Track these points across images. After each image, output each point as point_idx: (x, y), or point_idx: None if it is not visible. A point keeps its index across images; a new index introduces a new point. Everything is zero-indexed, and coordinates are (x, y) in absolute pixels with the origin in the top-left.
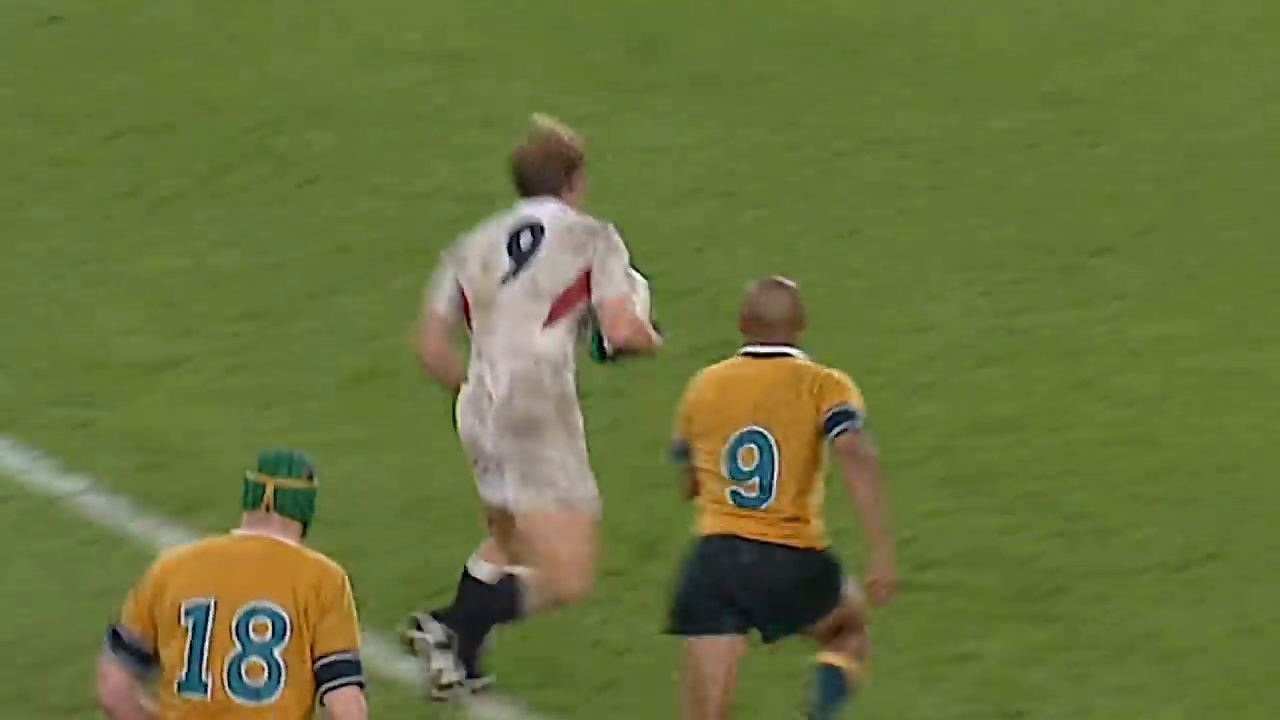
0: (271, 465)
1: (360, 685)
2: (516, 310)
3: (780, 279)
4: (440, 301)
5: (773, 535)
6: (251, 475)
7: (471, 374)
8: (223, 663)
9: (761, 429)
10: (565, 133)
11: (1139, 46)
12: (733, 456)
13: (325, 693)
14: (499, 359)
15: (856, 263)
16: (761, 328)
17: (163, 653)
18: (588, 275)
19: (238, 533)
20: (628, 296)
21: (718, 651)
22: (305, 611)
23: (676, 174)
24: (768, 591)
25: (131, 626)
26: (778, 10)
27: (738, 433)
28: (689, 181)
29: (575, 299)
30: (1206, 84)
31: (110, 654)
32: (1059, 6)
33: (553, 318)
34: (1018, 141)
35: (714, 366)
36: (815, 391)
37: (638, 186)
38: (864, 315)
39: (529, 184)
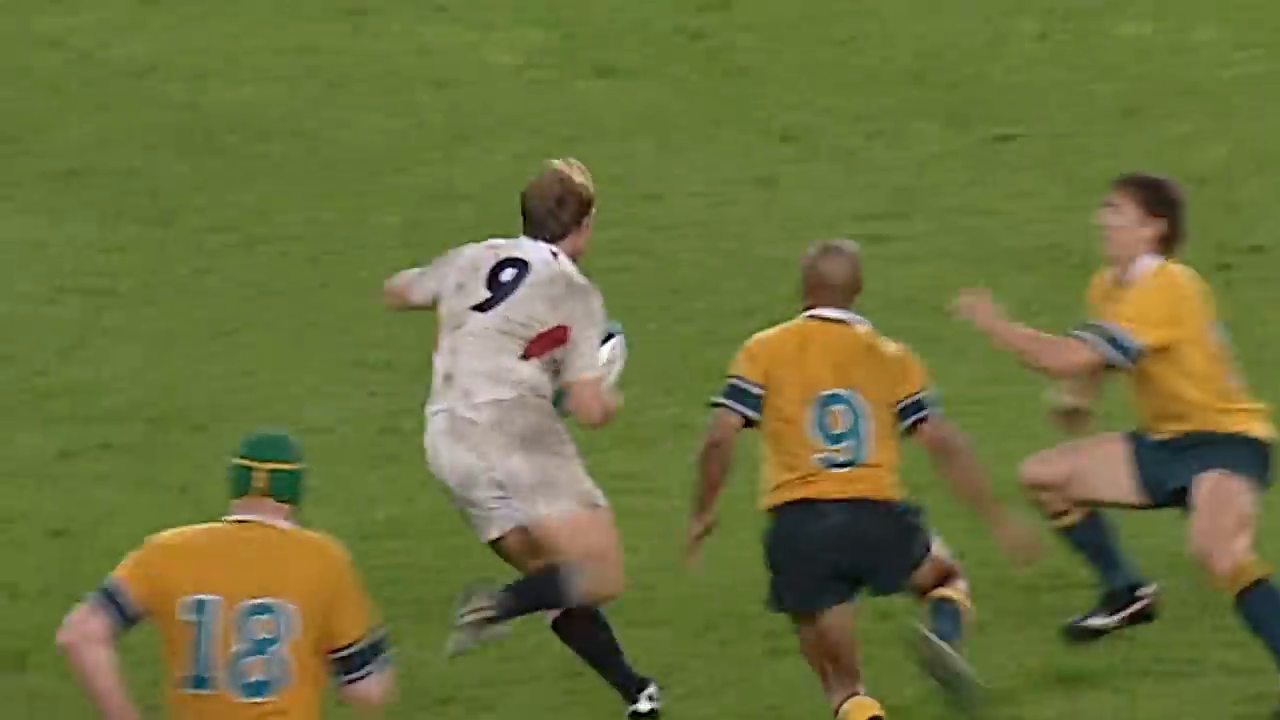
0: (260, 448)
1: (376, 672)
2: (490, 341)
3: (837, 243)
4: (416, 288)
5: (855, 491)
6: (240, 460)
7: (438, 405)
8: (226, 660)
9: (848, 391)
10: (580, 174)
11: (521, 144)
12: (820, 419)
13: (345, 685)
14: (477, 388)
15: (235, 363)
16: (826, 292)
17: (164, 646)
18: (563, 330)
19: (232, 519)
20: (601, 377)
21: (841, 620)
22: (310, 604)
23: (46, 271)
24: (865, 547)
25: (130, 589)
26: (149, 103)
27: (824, 394)
28: (59, 279)
29: (547, 347)
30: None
31: (98, 599)
32: (439, 100)
33: (527, 355)
34: (399, 240)
35: (781, 327)
36: (895, 366)
37: (4, 284)
38: (242, 417)
39: (534, 223)
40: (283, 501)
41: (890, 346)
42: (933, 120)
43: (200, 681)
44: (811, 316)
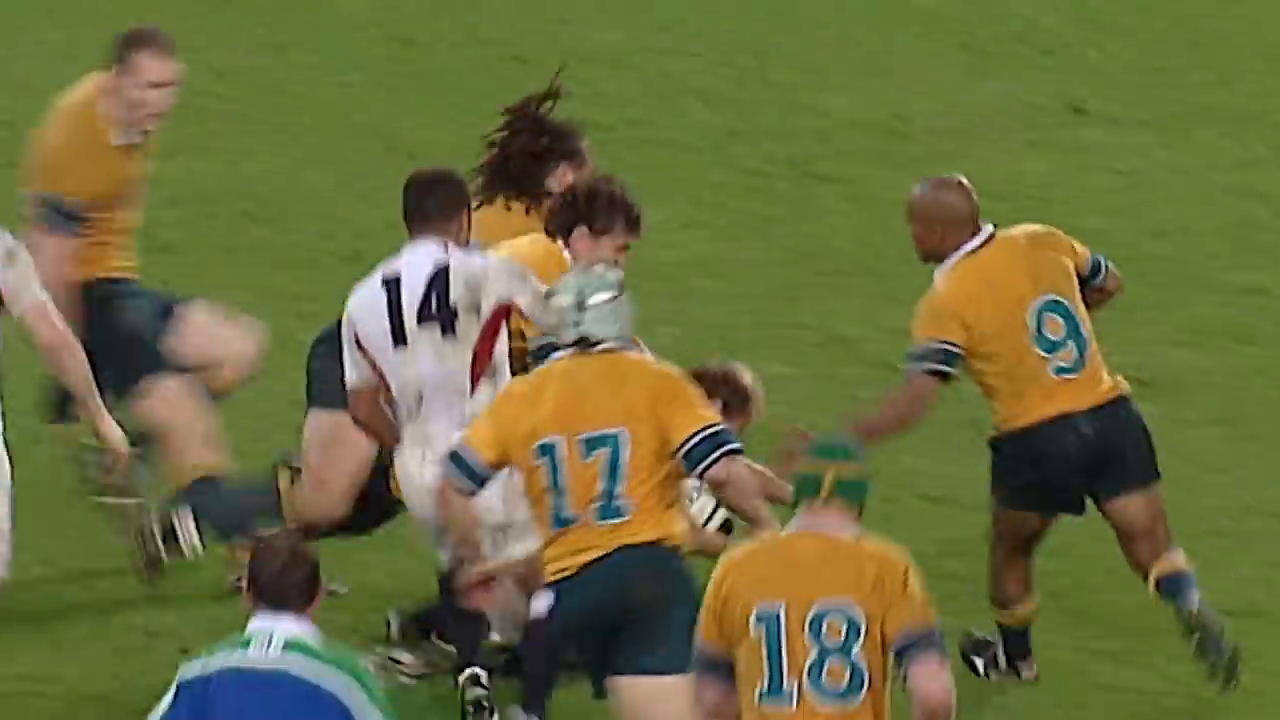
0: (829, 452)
1: (940, 660)
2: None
3: (952, 177)
4: None
5: (1102, 396)
6: (808, 466)
7: None
8: (802, 668)
9: (1053, 296)
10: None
11: None
12: (1039, 331)
13: (907, 668)
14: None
15: None
16: (970, 224)
17: (737, 660)
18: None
19: (796, 527)
20: None
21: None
22: (871, 609)
23: None
24: (1113, 448)
25: (710, 643)
26: None
27: (1032, 306)
28: None
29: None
30: None
31: (703, 673)
32: None
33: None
34: None
35: (949, 274)
36: (1066, 245)
37: None
38: None
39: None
40: (848, 504)
41: (1038, 229)
42: None
43: (779, 693)
44: (969, 252)
